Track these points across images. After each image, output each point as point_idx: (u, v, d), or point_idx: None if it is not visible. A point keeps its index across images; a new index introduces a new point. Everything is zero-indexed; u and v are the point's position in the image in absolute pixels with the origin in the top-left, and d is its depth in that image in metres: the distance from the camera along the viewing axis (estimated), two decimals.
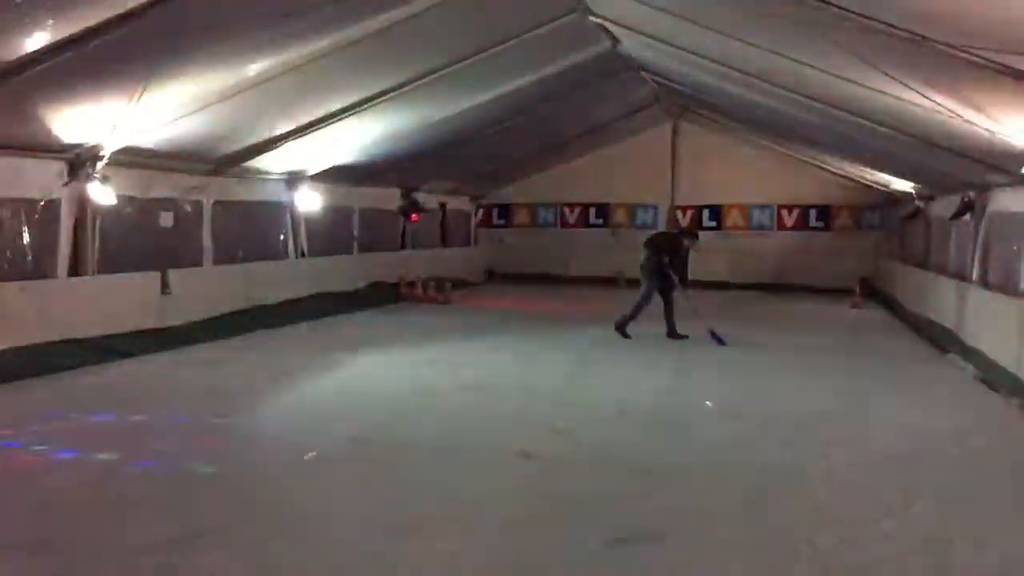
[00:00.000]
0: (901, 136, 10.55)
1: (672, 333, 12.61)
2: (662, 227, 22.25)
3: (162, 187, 11.97)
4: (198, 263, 12.82)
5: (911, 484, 6.14)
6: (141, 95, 8.75)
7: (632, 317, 12.60)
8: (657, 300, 12.66)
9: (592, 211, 23.01)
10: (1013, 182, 10.38)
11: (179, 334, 11.58)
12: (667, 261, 12.45)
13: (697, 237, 13.27)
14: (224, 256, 13.33)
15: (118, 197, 10.47)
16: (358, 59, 10.18)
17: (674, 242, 12.86)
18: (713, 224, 21.77)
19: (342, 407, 8.46)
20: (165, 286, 11.58)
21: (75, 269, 10.53)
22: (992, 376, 9.69)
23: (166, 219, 12.12)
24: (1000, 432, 7.71)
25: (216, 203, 13.07)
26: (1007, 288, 10.81)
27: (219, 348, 11.58)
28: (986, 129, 8.04)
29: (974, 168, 10.70)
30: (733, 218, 21.76)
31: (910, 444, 7.21)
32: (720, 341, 12.15)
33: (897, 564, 4.69)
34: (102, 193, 10.17)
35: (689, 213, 22.18)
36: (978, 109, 7.51)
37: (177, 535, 4.98)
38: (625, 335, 12.61)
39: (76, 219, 10.46)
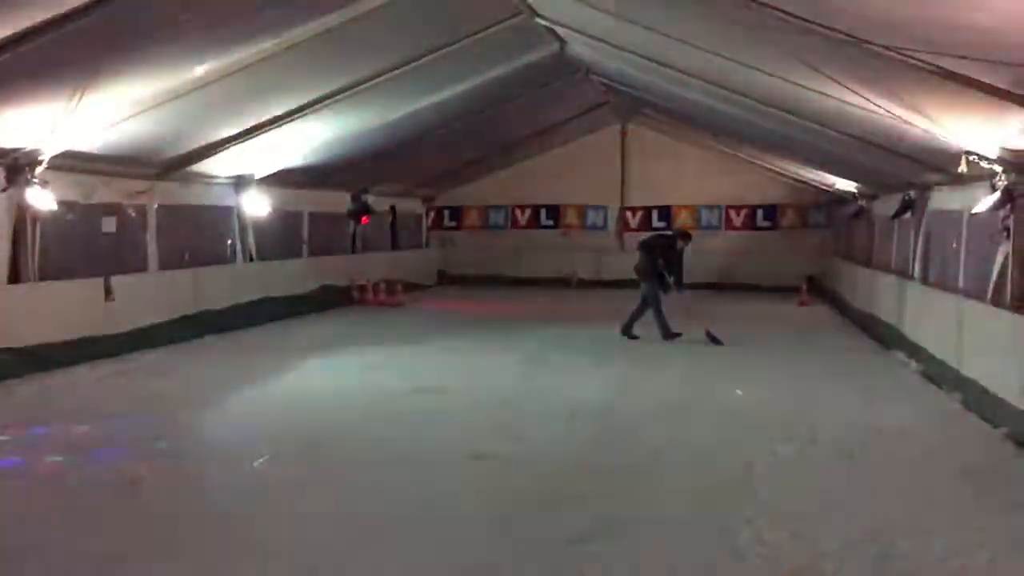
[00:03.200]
0: (844, 137, 10.76)
1: (665, 333, 12.67)
2: (611, 227, 22.52)
3: (105, 192, 11.72)
4: (143, 269, 12.59)
5: (857, 478, 6.26)
6: (81, 98, 8.55)
7: (663, 322, 12.68)
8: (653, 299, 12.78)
9: (543, 212, 23.09)
10: (950, 181, 10.64)
11: (124, 341, 11.35)
12: (662, 262, 12.56)
13: (691, 238, 13.44)
14: (170, 261, 13.11)
15: (59, 202, 10.23)
16: (304, 61, 10.08)
17: (668, 243, 12.98)
18: (662, 225, 21.93)
19: (292, 411, 8.38)
20: (109, 292, 11.34)
21: (14, 276, 10.26)
22: (934, 371, 9.92)
23: (109, 224, 11.87)
24: (942, 426, 7.90)
25: (161, 207, 12.84)
26: (946, 284, 11.07)
27: (166, 354, 11.38)
28: (924, 130, 8.23)
29: (914, 168, 10.95)
30: (682, 219, 21.94)
31: (855, 439, 7.35)
32: (716, 341, 12.27)
33: (843, 557, 4.78)
34: (41, 198, 9.93)
35: (639, 214, 22.40)
36: (916, 110, 7.68)
37: (121, 546, 4.89)
38: (632, 336, 12.71)
39: (15, 225, 10.20)
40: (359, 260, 19.10)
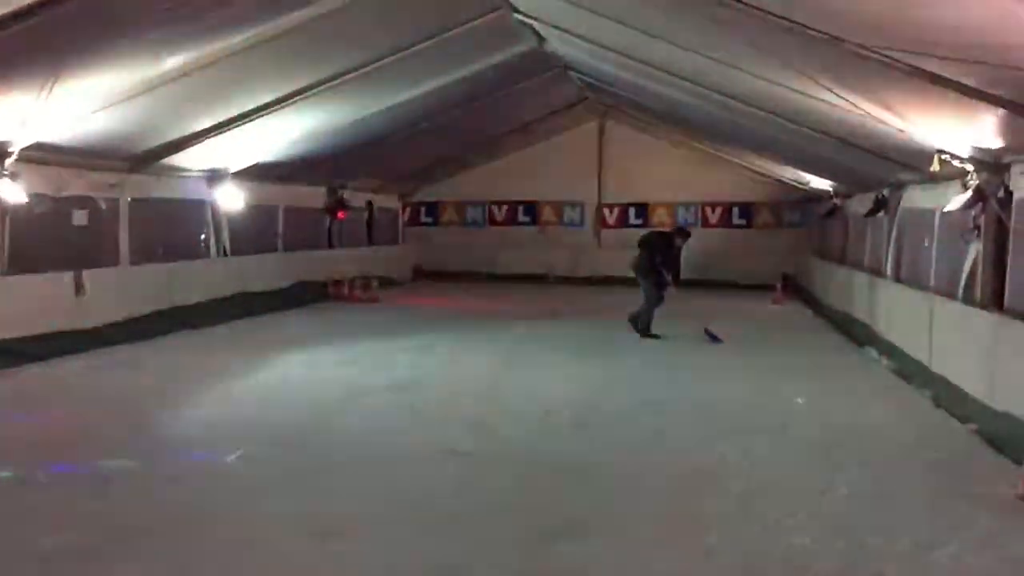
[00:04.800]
0: (819, 135, 10.83)
1: (645, 332, 12.71)
2: (588, 225, 22.57)
3: (76, 185, 11.58)
4: (115, 263, 12.45)
5: (828, 475, 6.30)
6: (52, 89, 8.44)
7: (647, 321, 12.70)
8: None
9: (520, 209, 23.10)
10: (923, 180, 10.74)
11: (95, 336, 11.23)
12: (659, 260, 12.57)
13: (689, 236, 13.46)
14: (142, 255, 12.98)
15: (29, 195, 10.10)
16: (281, 54, 10.01)
17: (667, 241, 12.99)
18: (639, 222, 22.02)
19: (266, 408, 8.32)
20: (80, 286, 11.22)
21: None
22: (905, 368, 10.01)
23: (80, 218, 11.73)
24: (912, 422, 7.97)
25: (133, 201, 12.70)
26: (918, 282, 11.18)
27: (138, 350, 11.27)
28: (897, 129, 8.30)
29: (887, 166, 11.04)
30: (659, 216, 22.04)
31: (827, 436, 7.40)
32: (715, 339, 12.31)
33: (813, 552, 4.81)
34: (11, 191, 9.79)
35: (616, 211, 22.47)
36: (889, 109, 7.74)
37: (92, 542, 4.84)
38: (653, 336, 12.65)
39: None
40: (335, 256, 19.02)
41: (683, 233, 13.40)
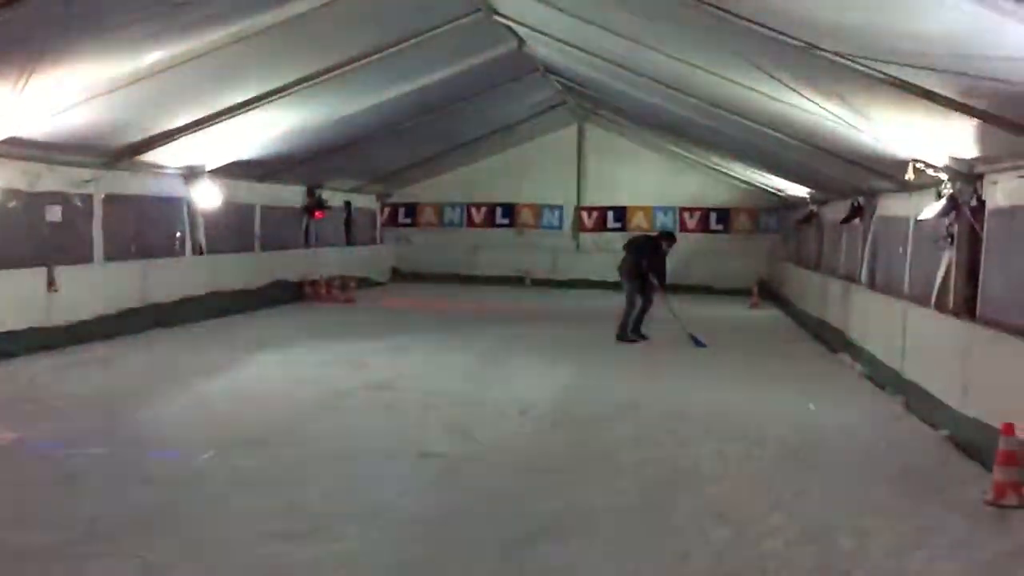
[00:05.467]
0: (796, 142, 10.91)
1: (622, 335, 12.71)
2: (567, 227, 22.60)
3: (50, 180, 11.43)
4: (88, 259, 12.31)
5: (800, 478, 6.35)
6: (27, 82, 8.33)
7: (627, 323, 12.70)
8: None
9: (499, 211, 23.08)
10: (898, 188, 10.84)
11: (67, 333, 11.12)
12: (645, 264, 12.58)
13: (675, 240, 13.50)
14: (116, 252, 12.83)
15: (2, 190, 9.97)
16: (260, 52, 9.93)
17: (653, 245, 13.01)
18: (618, 225, 22.12)
19: (240, 407, 8.26)
20: (52, 283, 11.07)
21: None
22: (878, 374, 10.10)
23: (53, 213, 11.57)
24: (884, 428, 8.04)
25: (108, 197, 12.56)
26: (892, 289, 11.28)
27: (110, 347, 11.16)
28: (873, 137, 8.37)
29: (863, 174, 11.13)
30: (637, 220, 22.11)
31: (800, 440, 7.45)
32: (699, 343, 12.35)
33: (785, 556, 4.84)
34: None
35: (595, 215, 22.52)
36: (866, 117, 7.81)
37: (62, 540, 4.79)
38: (641, 337, 12.69)
39: None
40: (312, 255, 18.92)
41: (669, 237, 13.44)
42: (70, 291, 11.33)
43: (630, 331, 12.72)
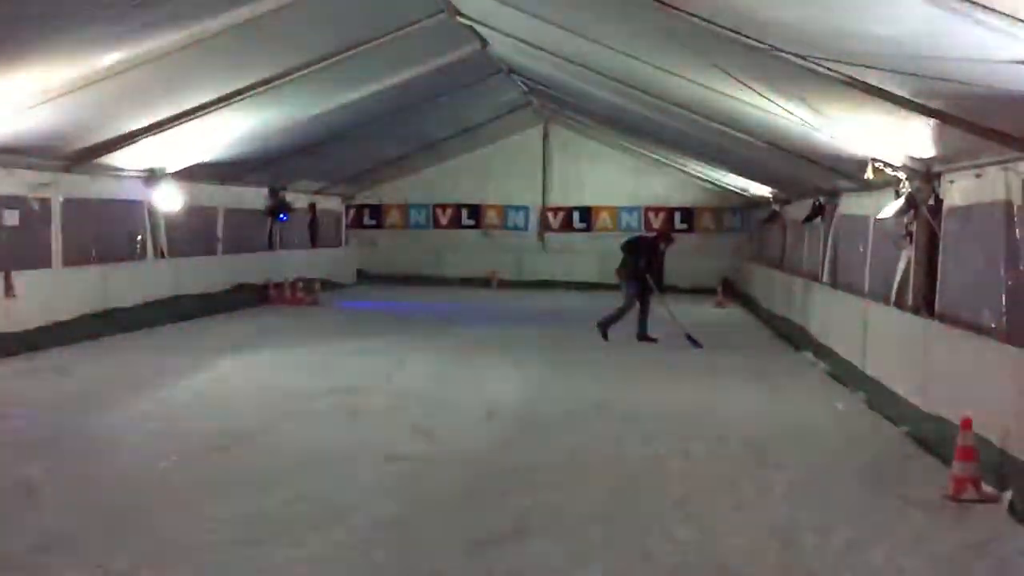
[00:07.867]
0: (758, 142, 11.01)
1: (642, 335, 12.71)
2: (533, 228, 22.62)
3: (7, 184, 11.25)
4: (47, 264, 12.11)
5: (764, 476, 6.40)
6: None
7: (615, 320, 12.70)
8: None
9: (464, 212, 23.04)
10: (858, 188, 10.99)
11: (25, 339, 10.93)
12: (643, 265, 12.56)
13: (673, 240, 13.42)
14: (76, 257, 12.64)
15: None
16: (220, 53, 9.83)
17: (651, 245, 12.98)
18: (583, 226, 22.22)
19: (203, 412, 8.17)
20: (9, 288, 10.88)
21: None
22: (840, 372, 10.22)
23: (11, 218, 11.38)
24: (847, 425, 8.13)
25: (67, 201, 12.37)
26: (853, 287, 11.43)
27: (70, 353, 10.98)
28: (831, 136, 8.48)
29: (824, 174, 11.28)
30: (603, 220, 22.23)
31: (763, 437, 7.51)
32: (695, 343, 12.35)
33: (750, 553, 4.88)
34: None
35: (561, 215, 22.57)
36: (824, 117, 7.91)
37: (23, 547, 4.72)
38: (605, 336, 12.64)
39: None
40: (276, 258, 18.77)
41: (668, 238, 13.36)
42: (29, 297, 11.15)
43: (638, 331, 12.69)
